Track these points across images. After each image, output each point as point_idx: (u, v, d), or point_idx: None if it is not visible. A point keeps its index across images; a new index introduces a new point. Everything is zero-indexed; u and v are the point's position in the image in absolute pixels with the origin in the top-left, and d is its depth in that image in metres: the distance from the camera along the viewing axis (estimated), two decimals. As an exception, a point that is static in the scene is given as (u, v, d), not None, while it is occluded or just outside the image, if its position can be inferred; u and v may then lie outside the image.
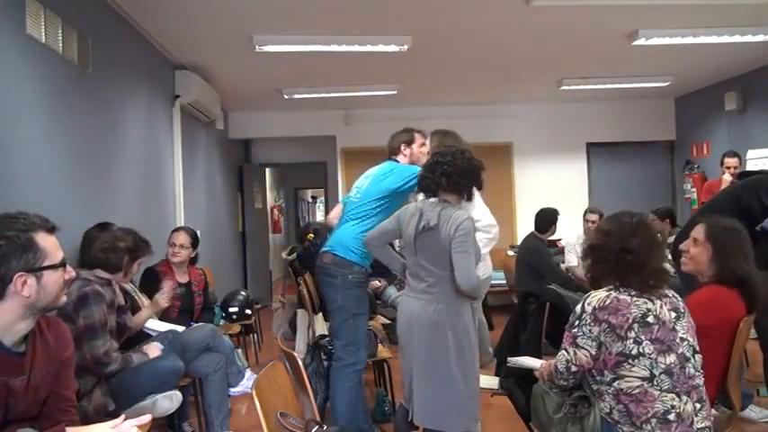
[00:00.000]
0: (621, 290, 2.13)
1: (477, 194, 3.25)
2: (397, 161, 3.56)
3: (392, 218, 3.04)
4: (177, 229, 4.30)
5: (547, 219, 5.70)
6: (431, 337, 2.79)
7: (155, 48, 5.05)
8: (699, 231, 2.61)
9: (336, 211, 3.86)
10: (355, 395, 3.34)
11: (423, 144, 3.60)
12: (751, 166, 6.25)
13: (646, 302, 2.10)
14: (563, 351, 2.20)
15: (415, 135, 3.62)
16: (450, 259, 2.74)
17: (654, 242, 2.20)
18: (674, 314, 2.13)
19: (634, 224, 2.20)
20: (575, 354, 2.15)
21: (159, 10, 4.33)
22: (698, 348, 2.14)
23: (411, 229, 2.85)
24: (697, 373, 2.10)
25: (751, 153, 6.40)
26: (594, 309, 2.11)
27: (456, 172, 2.83)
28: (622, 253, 2.15)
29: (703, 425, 2.07)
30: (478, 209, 3.39)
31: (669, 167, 8.59)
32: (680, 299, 2.22)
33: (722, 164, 5.86)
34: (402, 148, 3.58)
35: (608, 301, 2.10)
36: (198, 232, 4.45)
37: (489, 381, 3.14)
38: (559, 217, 5.76)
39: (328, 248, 3.43)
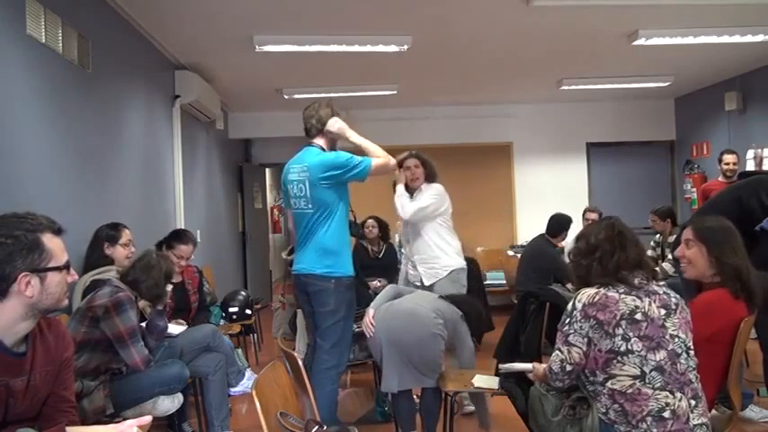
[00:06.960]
0: (611, 287, 2.16)
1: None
2: (320, 146, 3.37)
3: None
4: (183, 240, 4.09)
5: (561, 224, 5.63)
6: None
7: (155, 48, 5.05)
8: (687, 233, 2.61)
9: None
10: (335, 397, 3.29)
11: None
12: (751, 165, 6.26)
13: (634, 300, 2.12)
14: (557, 351, 2.21)
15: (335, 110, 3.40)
16: None
17: (619, 237, 2.24)
18: (663, 311, 2.13)
19: (602, 225, 2.31)
20: (568, 352, 2.16)
21: (159, 10, 4.33)
22: (691, 345, 2.14)
23: None
24: (689, 369, 2.10)
25: (751, 153, 6.40)
26: (584, 305, 2.14)
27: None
28: (593, 251, 2.23)
29: (700, 421, 2.07)
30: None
31: (669, 167, 8.60)
32: (673, 295, 2.21)
33: (720, 161, 5.81)
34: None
35: (597, 298, 2.13)
36: (198, 232, 4.43)
37: (489, 381, 3.12)
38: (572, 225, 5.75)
39: (308, 271, 3.28)
